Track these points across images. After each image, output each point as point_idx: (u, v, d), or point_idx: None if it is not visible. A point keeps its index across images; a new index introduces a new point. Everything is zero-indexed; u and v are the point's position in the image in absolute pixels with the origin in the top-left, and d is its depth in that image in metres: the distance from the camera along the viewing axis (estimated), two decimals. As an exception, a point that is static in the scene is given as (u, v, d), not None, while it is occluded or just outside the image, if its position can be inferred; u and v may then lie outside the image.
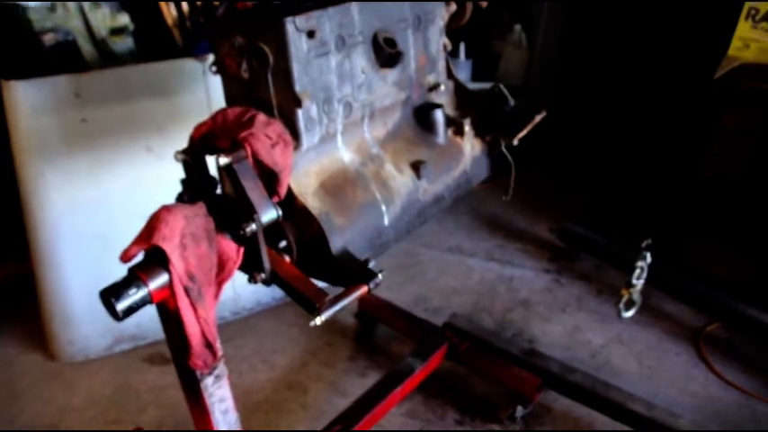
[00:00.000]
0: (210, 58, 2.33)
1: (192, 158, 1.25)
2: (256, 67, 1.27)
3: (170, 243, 1.06)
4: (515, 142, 1.65)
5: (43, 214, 2.25)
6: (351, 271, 1.26)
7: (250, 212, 1.13)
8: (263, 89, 1.28)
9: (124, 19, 2.79)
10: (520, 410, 2.20)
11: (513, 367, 2.24)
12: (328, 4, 1.29)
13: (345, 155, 1.39)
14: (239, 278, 1.25)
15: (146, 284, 1.07)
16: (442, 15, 1.61)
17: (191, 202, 1.25)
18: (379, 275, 1.24)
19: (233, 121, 1.22)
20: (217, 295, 1.17)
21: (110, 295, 1.05)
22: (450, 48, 1.66)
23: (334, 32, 1.30)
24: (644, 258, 2.29)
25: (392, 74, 1.47)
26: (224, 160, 1.13)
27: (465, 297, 2.91)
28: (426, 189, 1.51)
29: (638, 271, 2.31)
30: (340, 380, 2.44)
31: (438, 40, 1.61)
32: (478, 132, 1.67)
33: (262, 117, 1.21)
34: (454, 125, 1.62)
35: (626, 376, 2.45)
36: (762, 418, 2.31)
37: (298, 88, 1.25)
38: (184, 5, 3.01)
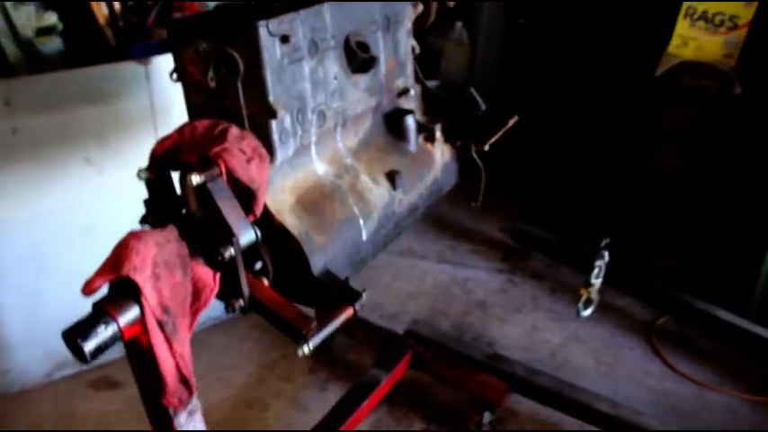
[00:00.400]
0: (154, 61, 2.23)
1: (155, 176, 1.14)
2: (224, 75, 1.17)
3: (142, 274, 0.96)
4: (486, 147, 1.62)
5: (-29, 234, 2.05)
6: (333, 292, 1.18)
7: (227, 235, 1.04)
8: (232, 99, 1.19)
9: (52, 18, 2.60)
10: (487, 416, 2.17)
11: (479, 373, 2.22)
12: (298, 6, 1.21)
13: (320, 167, 1.31)
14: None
15: (115, 320, 0.96)
16: (409, 16, 1.56)
17: (156, 224, 1.14)
18: (364, 295, 1.18)
19: (202, 135, 1.12)
20: (191, 326, 1.07)
21: (75, 335, 0.94)
22: (418, 50, 1.60)
23: (307, 37, 1.22)
24: (602, 258, 2.31)
25: (363, 79, 1.40)
26: (197, 179, 1.03)
27: (421, 301, 2.87)
28: (402, 200, 1.45)
29: (596, 270, 2.33)
30: (301, 394, 2.35)
31: (406, 43, 1.55)
32: (448, 138, 1.62)
33: (234, 130, 1.12)
34: (425, 131, 1.57)
35: (586, 375, 2.47)
36: (715, 408, 2.38)
37: (271, 98, 1.16)
38: (116, 4, 2.83)
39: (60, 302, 2.24)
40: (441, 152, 1.61)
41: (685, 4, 2.97)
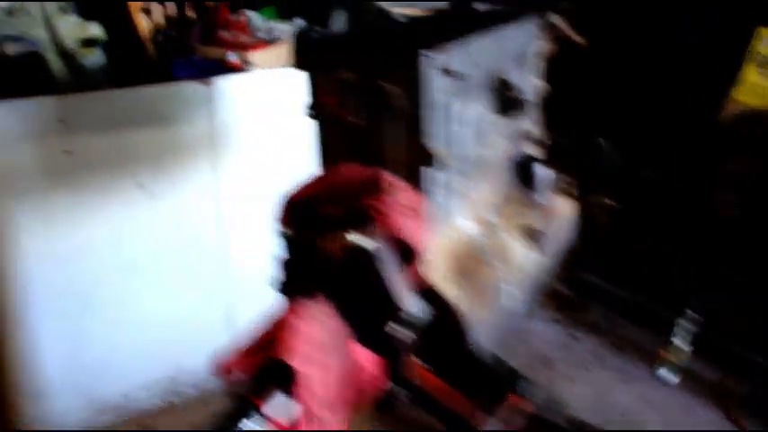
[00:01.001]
0: (217, 82, 2.04)
1: (296, 232, 0.94)
2: (373, 111, 0.99)
3: (301, 359, 0.77)
4: (616, 204, 1.45)
5: (13, 264, 1.85)
6: (495, 374, 0.99)
7: (394, 310, 0.85)
8: (378, 139, 1.01)
9: (95, 29, 2.42)
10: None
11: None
12: (449, 36, 1.03)
13: (465, 223, 1.13)
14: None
15: (263, 415, 0.76)
16: (535, 53, 1.39)
17: (295, 293, 0.94)
18: (532, 382, 0.98)
19: (352, 184, 0.93)
20: (347, 422, 0.88)
21: (216, 434, 0.74)
22: (546, 92, 1.43)
23: (463, 72, 1.04)
24: (693, 322, 2.14)
25: (505, 122, 1.22)
26: (356, 239, 0.84)
27: (479, 353, 2.67)
28: (540, 261, 1.26)
29: (686, 335, 2.16)
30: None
31: (533, 82, 1.38)
32: (577, 191, 1.45)
33: (392, 179, 0.93)
34: (554, 183, 1.39)
35: (667, 447, 2.27)
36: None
37: (430, 140, 0.98)
38: (157, 17, 2.67)
39: (103, 343, 2.05)
40: (566, 206, 1.43)
41: (753, 50, 2.84)
